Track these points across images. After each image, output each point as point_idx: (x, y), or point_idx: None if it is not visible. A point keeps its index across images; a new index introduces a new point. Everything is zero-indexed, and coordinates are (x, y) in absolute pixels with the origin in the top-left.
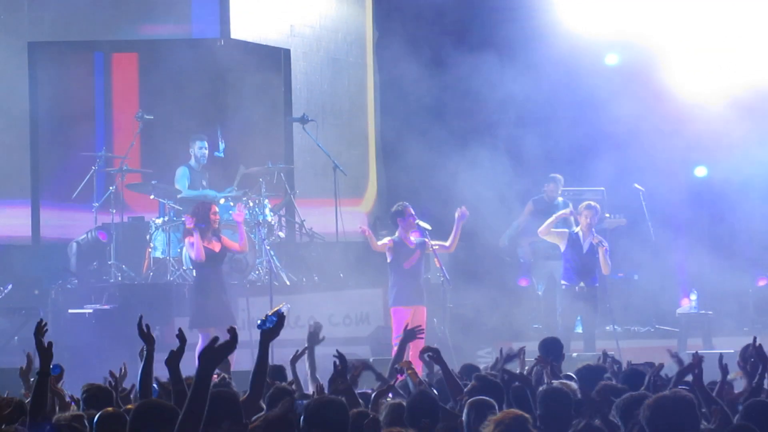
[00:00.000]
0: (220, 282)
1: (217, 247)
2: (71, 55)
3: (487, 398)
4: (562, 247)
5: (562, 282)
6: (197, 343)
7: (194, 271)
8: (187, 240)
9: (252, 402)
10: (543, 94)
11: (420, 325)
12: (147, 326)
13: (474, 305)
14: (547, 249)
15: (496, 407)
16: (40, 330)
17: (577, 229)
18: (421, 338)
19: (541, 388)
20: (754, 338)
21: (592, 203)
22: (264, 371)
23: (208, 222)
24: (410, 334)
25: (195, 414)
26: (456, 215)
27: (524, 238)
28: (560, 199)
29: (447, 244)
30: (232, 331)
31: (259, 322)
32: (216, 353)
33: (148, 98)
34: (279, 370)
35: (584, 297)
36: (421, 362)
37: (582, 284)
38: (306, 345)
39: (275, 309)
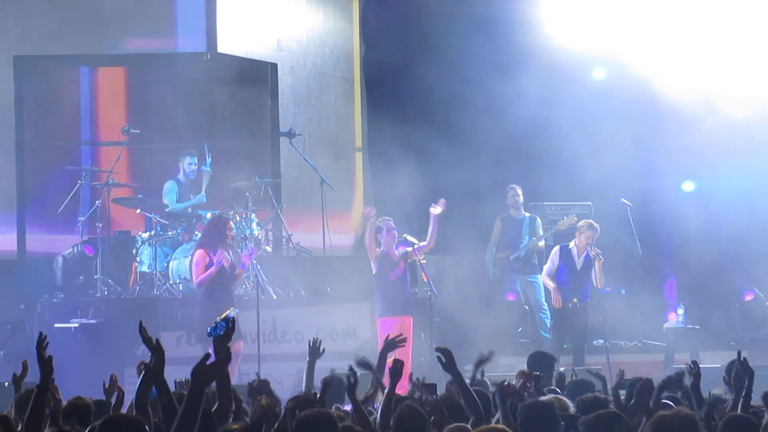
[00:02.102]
0: (230, 296)
1: (226, 261)
2: (57, 69)
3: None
4: (554, 266)
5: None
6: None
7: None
8: (197, 253)
9: (222, 413)
10: (530, 108)
11: (402, 334)
12: (157, 340)
13: (461, 320)
14: (513, 264)
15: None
16: (41, 343)
17: (572, 245)
18: (402, 346)
19: (522, 403)
20: (739, 352)
21: (594, 223)
22: (225, 381)
23: (223, 240)
24: (391, 344)
25: (185, 430)
26: (432, 210)
27: (497, 254)
28: (527, 214)
29: (425, 243)
30: (224, 348)
31: (209, 329)
32: (208, 370)
33: (134, 112)
34: (264, 385)
35: (576, 313)
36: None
37: (575, 300)
38: (307, 359)
39: (224, 315)
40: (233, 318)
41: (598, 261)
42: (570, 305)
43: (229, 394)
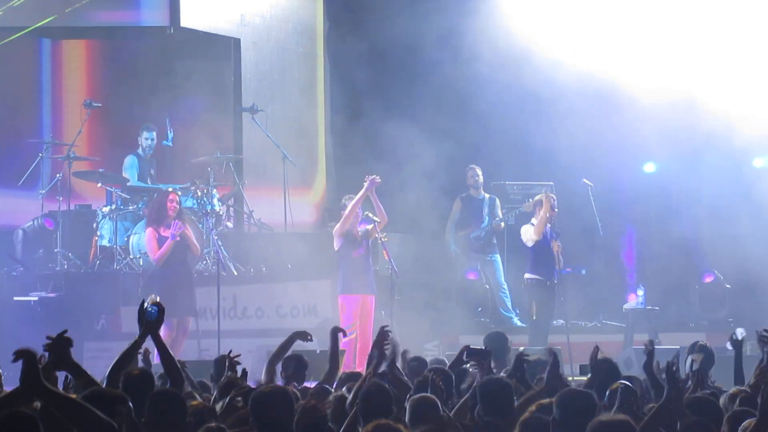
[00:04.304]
0: (181, 271)
1: (178, 231)
2: (18, 40)
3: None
4: (531, 243)
5: (534, 276)
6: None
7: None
8: (147, 233)
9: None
10: (495, 88)
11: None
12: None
13: (421, 298)
14: (474, 243)
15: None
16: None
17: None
18: (369, 329)
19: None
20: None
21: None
22: (170, 359)
23: (165, 214)
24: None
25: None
26: (365, 186)
27: (456, 232)
28: (486, 195)
29: (378, 219)
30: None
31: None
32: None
33: (96, 86)
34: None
35: (552, 291)
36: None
37: (554, 278)
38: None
39: (152, 301)
40: (159, 302)
41: (556, 242)
42: (548, 283)
43: (177, 371)
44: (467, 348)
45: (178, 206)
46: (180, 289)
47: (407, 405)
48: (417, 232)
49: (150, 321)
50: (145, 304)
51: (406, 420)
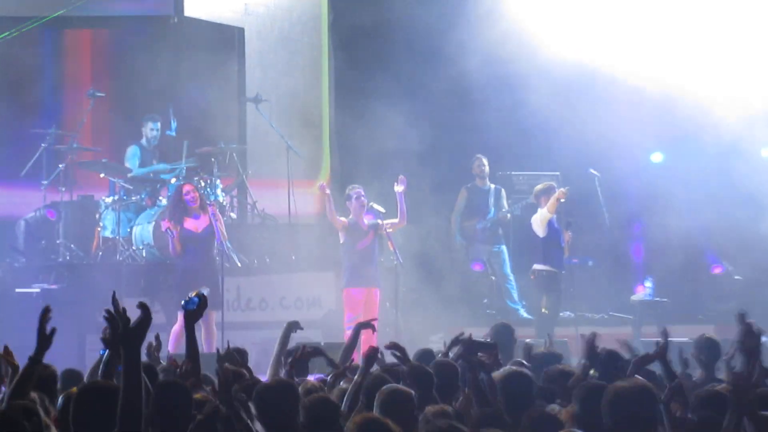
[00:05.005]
0: (204, 264)
1: (199, 226)
2: (22, 30)
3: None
4: (542, 233)
5: (544, 267)
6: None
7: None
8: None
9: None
10: (500, 76)
11: (374, 318)
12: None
13: (427, 289)
14: (480, 234)
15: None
16: (45, 316)
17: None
18: (375, 322)
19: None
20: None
21: (550, 183)
22: (194, 348)
23: (185, 207)
24: (364, 324)
25: (132, 404)
26: (396, 189)
27: (462, 223)
28: (492, 185)
29: (397, 219)
30: (142, 306)
31: (183, 302)
32: (134, 333)
33: (99, 75)
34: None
35: (561, 282)
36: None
37: (562, 269)
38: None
39: (197, 292)
40: (204, 295)
41: (567, 232)
42: (557, 274)
43: (198, 364)
44: (470, 340)
45: (197, 194)
46: (202, 281)
47: (377, 396)
48: (422, 223)
49: (189, 311)
50: (189, 293)
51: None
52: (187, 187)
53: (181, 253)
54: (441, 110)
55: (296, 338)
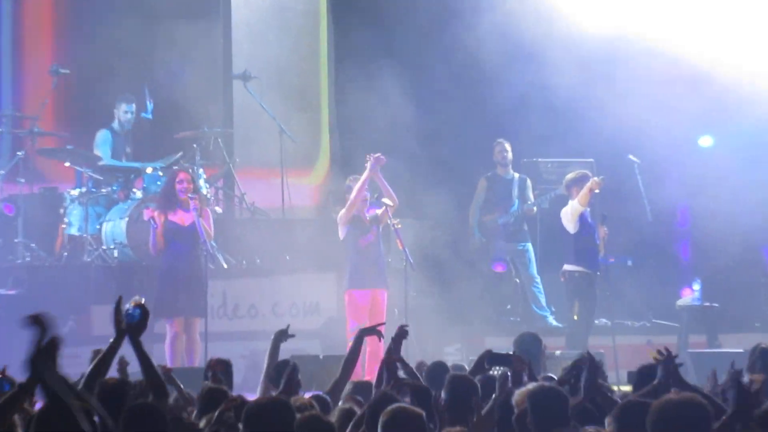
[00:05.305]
0: (190, 262)
1: (186, 219)
2: None
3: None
4: (573, 228)
5: (576, 268)
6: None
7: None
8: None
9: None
10: (521, 50)
11: (382, 322)
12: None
13: (441, 294)
14: (502, 230)
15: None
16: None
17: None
18: (382, 327)
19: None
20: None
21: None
22: (151, 370)
23: (175, 197)
24: (368, 330)
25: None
26: (368, 167)
27: (481, 218)
28: (516, 174)
29: (391, 202)
30: (36, 319)
31: (125, 312)
32: (44, 353)
33: (64, 49)
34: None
35: (595, 285)
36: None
37: (598, 270)
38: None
39: (135, 302)
40: (144, 305)
41: (602, 228)
42: (592, 276)
43: (160, 383)
44: (489, 353)
45: (191, 185)
46: (186, 284)
47: (381, 417)
48: (436, 218)
49: (130, 325)
50: (127, 306)
51: None
52: (182, 175)
53: (163, 249)
54: (456, 87)
55: (291, 349)
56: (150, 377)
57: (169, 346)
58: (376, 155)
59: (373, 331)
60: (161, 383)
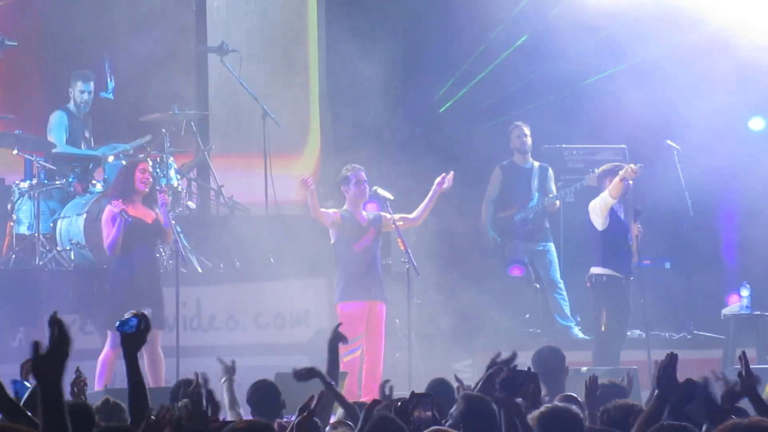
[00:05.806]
0: (152, 267)
1: (149, 216)
2: None
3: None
4: (602, 224)
5: (605, 271)
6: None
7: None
8: (106, 211)
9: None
10: (539, 20)
11: (340, 323)
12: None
13: (449, 302)
14: (519, 227)
15: None
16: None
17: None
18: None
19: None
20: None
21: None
22: (140, 388)
23: (133, 189)
24: (334, 339)
25: None
26: (436, 181)
27: (496, 213)
28: (536, 163)
29: (413, 215)
30: (55, 322)
31: (117, 323)
32: (48, 360)
33: (10, 18)
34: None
35: (629, 291)
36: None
37: (630, 274)
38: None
39: (135, 311)
40: (145, 315)
41: (635, 225)
42: (624, 281)
43: (146, 403)
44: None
45: (151, 178)
46: (147, 292)
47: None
48: (443, 214)
49: (125, 336)
50: (125, 315)
51: None
52: (143, 165)
53: (124, 248)
54: (465, 61)
55: (276, 366)
56: (137, 400)
57: (103, 362)
58: (305, 177)
59: (338, 338)
60: (146, 409)
